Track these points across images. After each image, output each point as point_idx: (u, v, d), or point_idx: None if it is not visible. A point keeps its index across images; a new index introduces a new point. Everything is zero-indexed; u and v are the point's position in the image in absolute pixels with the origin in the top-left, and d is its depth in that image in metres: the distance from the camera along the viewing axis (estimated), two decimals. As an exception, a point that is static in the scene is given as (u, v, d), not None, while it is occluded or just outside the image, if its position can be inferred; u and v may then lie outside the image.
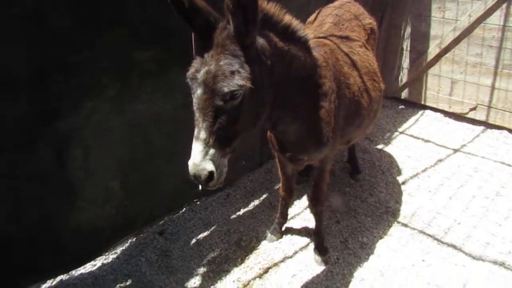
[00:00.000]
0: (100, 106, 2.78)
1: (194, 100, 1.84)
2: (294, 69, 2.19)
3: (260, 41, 1.94)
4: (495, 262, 3.04)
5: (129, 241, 3.33)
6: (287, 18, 2.11)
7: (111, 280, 2.98)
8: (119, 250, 3.25)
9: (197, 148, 1.82)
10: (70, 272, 3.00)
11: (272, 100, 2.10)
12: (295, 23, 2.18)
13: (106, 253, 3.19)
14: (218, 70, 1.76)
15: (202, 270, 3.07)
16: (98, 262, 3.13)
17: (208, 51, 1.82)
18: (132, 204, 3.21)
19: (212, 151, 1.83)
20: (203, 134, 1.81)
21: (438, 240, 3.28)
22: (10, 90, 2.35)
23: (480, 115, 4.90)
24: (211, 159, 1.83)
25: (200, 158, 1.81)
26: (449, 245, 3.23)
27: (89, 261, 3.10)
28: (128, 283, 2.96)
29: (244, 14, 1.74)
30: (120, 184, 3.09)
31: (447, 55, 5.00)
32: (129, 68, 2.88)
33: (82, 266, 3.06)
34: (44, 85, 2.47)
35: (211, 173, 1.83)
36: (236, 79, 1.77)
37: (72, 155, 2.74)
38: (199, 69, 1.81)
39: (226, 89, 1.76)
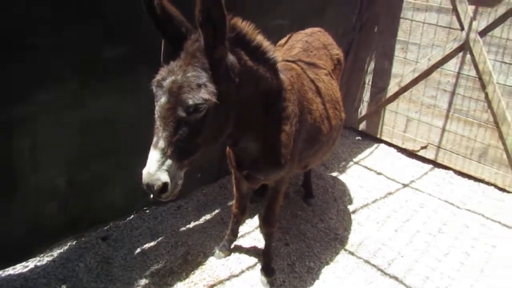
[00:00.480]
0: (56, 98, 2.65)
1: (157, 108, 1.80)
2: (260, 89, 2.22)
3: (231, 58, 1.95)
4: (432, 297, 3.15)
5: (69, 244, 3.15)
6: (259, 38, 2.14)
7: (43, 284, 2.79)
8: (56, 252, 3.06)
9: (153, 157, 1.77)
10: (-3, 272, 2.78)
11: (237, 118, 2.09)
12: (266, 44, 2.21)
13: (41, 255, 2.99)
14: (185, 81, 1.75)
15: (144, 281, 2.94)
16: (31, 263, 2.92)
17: (177, 61, 1.81)
18: (77, 204, 3.06)
19: (169, 162, 1.79)
20: (161, 144, 1.77)
21: (381, 271, 3.36)
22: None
23: (430, 154, 5.15)
24: (167, 170, 1.79)
25: (155, 168, 1.76)
26: (391, 276, 3.31)
27: (21, 261, 2.89)
28: (61, 289, 2.78)
29: (213, 29, 1.74)
30: (66, 182, 2.94)
31: (405, 93, 5.24)
32: (93, 64, 2.78)
33: (12, 267, 2.84)
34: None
35: (165, 184, 1.79)
36: (202, 92, 1.76)
37: (20, 145, 2.58)
38: (165, 77, 1.79)
39: (190, 102, 1.74)
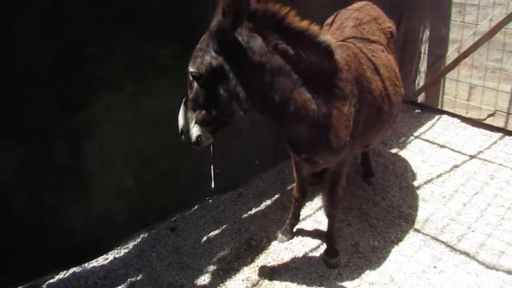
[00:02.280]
0: (117, 100, 2.82)
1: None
2: (304, 71, 2.22)
3: (249, 38, 2.08)
4: (509, 272, 2.99)
5: (141, 236, 3.37)
6: (301, 24, 2.17)
7: (122, 274, 3.02)
8: (131, 244, 3.29)
9: (181, 110, 2.31)
10: (82, 265, 3.05)
11: (262, 98, 2.23)
12: (313, 28, 2.22)
13: (118, 247, 3.23)
14: (194, 53, 2.15)
15: (212, 268, 3.09)
16: (110, 256, 3.17)
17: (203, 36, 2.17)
18: (145, 199, 3.25)
19: (187, 113, 2.28)
20: (185, 99, 2.28)
21: (451, 247, 3.24)
22: (32, 80, 2.40)
23: (498, 122, 4.81)
24: (185, 119, 2.28)
25: (181, 117, 2.31)
26: (462, 252, 3.18)
27: (101, 254, 3.14)
28: (138, 277, 2.99)
29: (233, 17, 1.95)
30: (134, 179, 3.13)
31: (466, 59, 4.92)
32: (147, 64, 2.91)
33: (95, 259, 3.11)
34: (64, 77, 2.52)
35: (182, 131, 2.32)
36: (197, 62, 2.11)
37: (88, 147, 2.79)
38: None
39: (190, 68, 2.15)
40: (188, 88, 2.24)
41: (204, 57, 2.09)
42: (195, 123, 2.26)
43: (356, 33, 3.12)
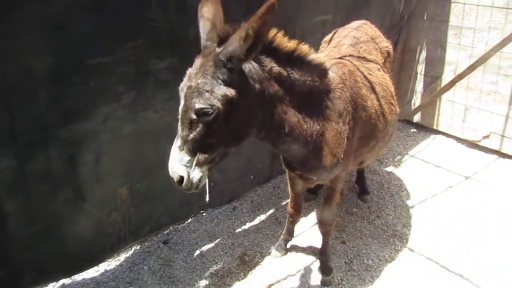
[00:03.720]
0: (115, 112, 2.81)
1: (179, 110, 1.98)
2: (296, 91, 2.22)
3: (249, 65, 2.02)
4: (503, 294, 2.97)
5: (133, 248, 3.33)
6: (290, 44, 2.16)
7: (113, 286, 2.97)
8: (122, 257, 3.24)
9: (172, 153, 1.98)
10: (72, 277, 2.99)
11: (263, 121, 2.16)
12: (302, 48, 2.23)
13: (110, 260, 3.18)
14: (195, 88, 1.89)
15: (204, 282, 3.04)
16: (101, 268, 3.12)
17: (194, 67, 1.97)
18: (138, 211, 3.22)
19: (186, 157, 1.96)
20: (179, 142, 1.96)
21: (445, 268, 3.22)
22: (30, 90, 2.39)
23: (493, 144, 4.85)
24: (183, 165, 1.96)
25: (173, 162, 1.98)
26: (456, 274, 3.16)
27: (92, 266, 3.09)
28: (129, 291, 2.95)
29: (251, 44, 1.85)
30: (128, 191, 3.10)
31: (461, 81, 4.98)
32: (145, 76, 2.92)
33: (85, 271, 3.05)
34: (62, 87, 2.52)
35: (181, 177, 1.98)
36: (208, 98, 1.87)
37: (84, 158, 2.77)
38: (185, 83, 1.96)
39: (197, 106, 1.88)
40: (185, 129, 1.93)
41: (215, 90, 1.88)
42: (196, 165, 1.99)
43: (353, 51, 3.15)
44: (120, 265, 3.17)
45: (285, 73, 2.16)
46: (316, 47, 3.35)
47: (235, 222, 3.72)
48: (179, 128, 1.96)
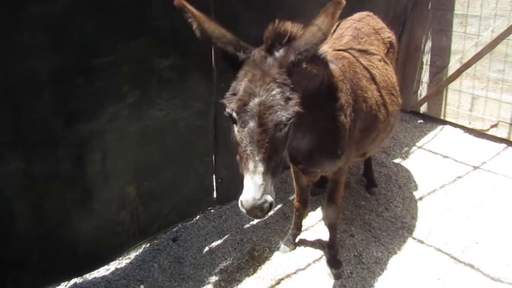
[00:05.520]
0: (120, 111, 2.83)
1: (245, 134, 1.76)
2: (311, 86, 2.19)
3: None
4: (514, 284, 2.96)
5: (143, 246, 3.35)
6: None
7: (124, 285, 3.00)
8: (132, 255, 3.27)
9: (256, 182, 1.73)
10: (83, 276, 3.03)
11: None
12: None
13: (120, 258, 3.21)
14: (273, 100, 1.73)
15: (214, 278, 3.06)
16: (112, 266, 3.15)
17: (252, 81, 1.77)
18: (147, 210, 3.24)
19: (268, 181, 1.76)
20: (261, 167, 1.74)
21: (455, 259, 3.21)
22: (35, 90, 2.41)
23: (501, 132, 4.80)
24: (269, 190, 1.77)
25: (261, 192, 1.72)
26: (466, 264, 3.15)
27: (103, 265, 3.12)
28: (140, 288, 2.98)
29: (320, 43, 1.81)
30: (136, 190, 3.12)
31: (468, 70, 4.94)
32: (149, 75, 2.92)
33: (96, 270, 3.09)
34: (67, 87, 2.53)
35: (271, 204, 1.78)
36: (291, 106, 1.76)
37: (91, 158, 2.79)
38: (248, 101, 1.74)
39: (284, 118, 1.73)
40: (262, 150, 1.73)
41: (292, 96, 1.78)
42: (270, 185, 1.80)
43: (354, 43, 3.14)
44: (131, 263, 3.20)
45: (308, 68, 2.13)
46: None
47: (243, 218, 3.73)
48: (254, 152, 1.74)
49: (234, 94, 1.79)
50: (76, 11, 2.44)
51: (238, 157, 1.94)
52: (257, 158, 1.74)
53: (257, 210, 1.74)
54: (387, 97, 2.90)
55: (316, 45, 1.81)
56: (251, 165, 1.75)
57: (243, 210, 1.78)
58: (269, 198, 1.75)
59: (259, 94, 1.73)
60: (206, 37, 1.85)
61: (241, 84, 1.78)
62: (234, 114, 1.77)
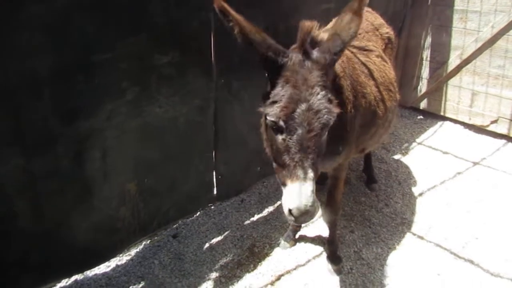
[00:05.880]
0: (119, 108, 2.83)
1: (294, 142, 1.74)
2: None
3: None
4: (513, 279, 2.97)
5: (143, 243, 3.36)
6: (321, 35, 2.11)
7: (124, 281, 3.00)
8: (133, 252, 3.28)
9: (308, 188, 1.72)
10: (84, 272, 3.04)
11: None
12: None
13: (120, 255, 3.22)
14: (320, 104, 1.73)
15: (214, 275, 3.07)
16: (112, 263, 3.16)
17: (298, 87, 1.75)
18: (147, 206, 3.24)
19: (314, 186, 1.76)
20: (311, 173, 1.74)
21: (454, 254, 3.22)
22: (34, 88, 2.40)
23: (501, 128, 4.80)
24: (315, 195, 1.77)
25: (313, 198, 1.73)
26: (466, 260, 3.16)
27: (103, 262, 3.13)
28: (140, 285, 2.98)
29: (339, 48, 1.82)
30: (136, 187, 3.12)
31: (468, 66, 4.93)
32: (148, 71, 2.92)
33: (97, 267, 3.09)
34: (67, 85, 2.53)
35: (318, 207, 1.80)
36: (334, 107, 1.78)
37: (91, 155, 2.79)
38: (295, 108, 1.72)
39: (330, 121, 1.75)
40: (310, 155, 1.74)
41: (332, 98, 1.79)
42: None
43: None
44: (131, 260, 3.20)
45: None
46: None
47: (244, 214, 3.74)
48: (303, 159, 1.73)
49: (275, 102, 1.77)
50: (75, 9, 2.43)
51: (275, 165, 1.91)
52: (306, 165, 1.73)
53: (308, 216, 1.73)
54: (385, 93, 2.91)
55: (347, 45, 1.82)
56: (300, 172, 1.73)
57: (291, 218, 1.78)
58: (317, 202, 1.75)
59: (305, 100, 1.72)
60: (246, 42, 1.80)
61: (284, 91, 1.76)
62: (281, 123, 1.74)
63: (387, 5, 4.93)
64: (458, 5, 4.84)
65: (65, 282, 2.96)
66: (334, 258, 3.11)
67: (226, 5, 1.77)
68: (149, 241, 3.38)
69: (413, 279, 2.99)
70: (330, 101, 1.78)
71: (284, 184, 1.82)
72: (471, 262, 3.13)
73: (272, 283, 2.99)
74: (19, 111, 2.38)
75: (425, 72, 5.38)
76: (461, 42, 4.90)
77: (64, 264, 2.88)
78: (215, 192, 3.79)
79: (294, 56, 1.82)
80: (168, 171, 3.29)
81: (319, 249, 3.32)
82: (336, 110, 1.77)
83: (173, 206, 3.46)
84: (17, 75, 2.32)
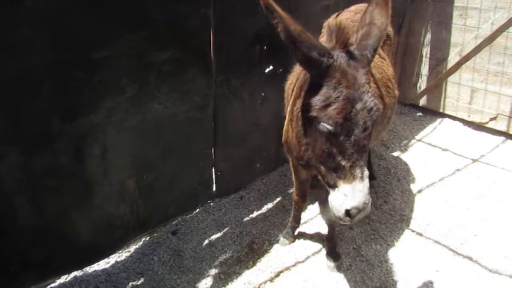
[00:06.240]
0: (119, 105, 2.82)
1: (351, 142, 1.74)
2: None
3: None
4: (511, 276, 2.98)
5: (143, 239, 3.36)
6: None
7: (124, 277, 3.01)
8: (132, 248, 3.28)
9: (365, 186, 1.74)
10: (84, 269, 3.04)
11: None
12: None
13: (120, 251, 3.22)
14: (371, 102, 1.75)
15: (213, 271, 3.08)
16: (112, 259, 3.16)
17: (350, 87, 1.73)
18: (146, 203, 3.25)
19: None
20: (366, 171, 1.76)
21: (453, 251, 3.22)
22: (33, 85, 2.40)
23: (500, 125, 4.81)
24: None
25: (369, 196, 1.75)
26: (464, 257, 3.17)
27: (103, 258, 3.13)
28: (140, 281, 2.98)
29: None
30: (135, 183, 3.13)
31: (467, 63, 4.92)
32: (148, 68, 2.91)
33: (96, 263, 3.10)
34: (66, 82, 2.52)
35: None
36: (380, 103, 1.84)
37: (91, 152, 2.78)
38: (351, 109, 1.71)
39: (379, 118, 1.78)
40: (363, 153, 1.76)
41: (375, 94, 1.89)
42: None
43: None
44: (131, 256, 3.21)
45: None
46: (319, 33, 3.34)
47: (243, 211, 3.74)
48: (359, 157, 1.75)
49: (328, 105, 1.74)
50: (74, 5, 2.42)
51: (323, 168, 1.88)
52: (362, 163, 1.74)
53: (363, 214, 1.76)
54: (383, 89, 2.90)
55: (381, 40, 1.82)
56: (358, 171, 1.74)
57: (347, 219, 1.77)
58: (370, 199, 1.78)
59: (360, 99, 1.72)
60: (291, 40, 1.75)
61: (338, 92, 1.73)
62: (338, 125, 1.73)
63: (387, 2, 4.91)
64: (458, 2, 4.83)
65: (64, 278, 2.96)
66: (333, 255, 3.12)
67: (272, 2, 1.73)
68: (148, 237, 3.39)
69: (412, 276, 3.00)
70: (376, 97, 1.80)
71: (335, 186, 1.81)
72: (470, 258, 3.14)
73: (271, 280, 3.00)
74: (18, 108, 2.38)
75: (425, 69, 5.38)
76: (461, 39, 4.90)
77: (64, 260, 2.88)
78: (214, 189, 3.80)
79: (339, 56, 1.79)
80: (167, 168, 3.29)
81: (318, 246, 3.33)
82: (381, 106, 1.78)
83: (172, 203, 3.46)
84: (16, 72, 2.31)
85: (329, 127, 1.75)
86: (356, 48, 1.84)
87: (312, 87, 1.85)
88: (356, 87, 1.73)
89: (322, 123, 1.77)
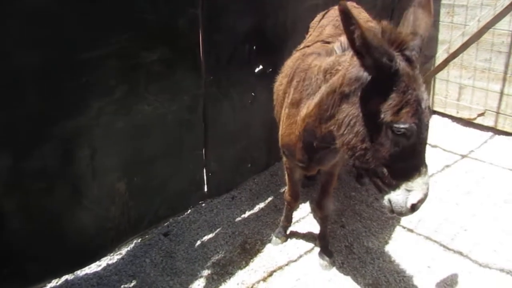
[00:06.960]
0: (108, 106, 2.79)
1: (421, 142, 1.82)
2: None
3: None
4: (502, 270, 3.01)
5: (134, 241, 3.34)
6: None
7: (116, 280, 2.98)
8: (124, 250, 3.25)
9: (428, 180, 1.86)
10: (75, 272, 3.01)
11: None
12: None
13: (111, 254, 3.19)
14: (428, 100, 1.83)
15: (206, 272, 3.07)
16: (103, 262, 3.13)
17: (417, 89, 1.77)
18: (137, 205, 3.22)
19: None
20: (427, 165, 1.87)
21: (444, 246, 3.25)
22: (19, 87, 2.36)
23: (488, 121, 4.87)
24: None
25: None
26: (455, 252, 3.20)
27: (94, 261, 3.10)
28: (132, 284, 2.96)
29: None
30: (125, 185, 3.10)
31: (455, 60, 4.98)
32: (137, 69, 2.89)
33: (87, 266, 3.07)
34: (54, 83, 2.49)
35: None
36: None
37: (80, 154, 2.75)
38: (422, 111, 1.76)
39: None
40: (425, 149, 1.86)
41: None
42: None
43: (336, 33, 3.12)
44: (122, 258, 3.18)
45: None
46: (307, 31, 3.34)
47: (235, 211, 3.73)
48: (423, 155, 1.85)
49: (401, 109, 1.75)
50: (62, 5, 2.39)
51: (385, 170, 1.88)
52: (424, 160, 1.84)
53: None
54: None
55: (425, 41, 1.86)
56: (423, 168, 1.83)
57: (410, 214, 1.93)
58: None
59: (425, 100, 1.78)
60: (365, 46, 1.73)
61: (408, 95, 1.75)
62: (414, 127, 1.74)
63: (375, 0, 4.94)
64: (445, -1, 4.88)
65: (55, 282, 2.93)
66: (325, 253, 3.12)
67: (349, 8, 1.72)
68: (140, 239, 3.37)
69: (404, 272, 3.02)
70: None
71: (397, 186, 1.86)
72: (460, 253, 3.17)
73: (264, 279, 2.99)
74: (5, 110, 2.34)
75: (413, 67, 5.41)
76: (448, 36, 4.95)
77: (54, 264, 2.85)
78: (205, 189, 3.78)
79: (400, 59, 1.80)
80: (158, 169, 3.27)
81: (310, 244, 3.34)
82: None
83: (163, 204, 3.44)
84: (2, 73, 2.28)
85: (404, 130, 1.75)
86: (409, 50, 1.83)
87: (374, 93, 1.84)
88: (419, 88, 1.78)
89: (397, 126, 1.76)
